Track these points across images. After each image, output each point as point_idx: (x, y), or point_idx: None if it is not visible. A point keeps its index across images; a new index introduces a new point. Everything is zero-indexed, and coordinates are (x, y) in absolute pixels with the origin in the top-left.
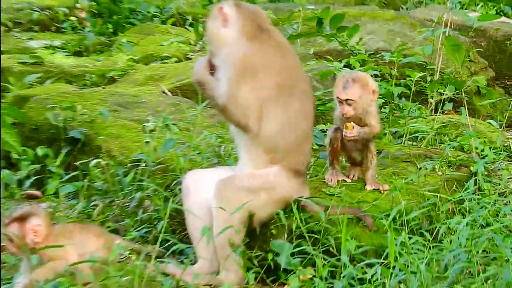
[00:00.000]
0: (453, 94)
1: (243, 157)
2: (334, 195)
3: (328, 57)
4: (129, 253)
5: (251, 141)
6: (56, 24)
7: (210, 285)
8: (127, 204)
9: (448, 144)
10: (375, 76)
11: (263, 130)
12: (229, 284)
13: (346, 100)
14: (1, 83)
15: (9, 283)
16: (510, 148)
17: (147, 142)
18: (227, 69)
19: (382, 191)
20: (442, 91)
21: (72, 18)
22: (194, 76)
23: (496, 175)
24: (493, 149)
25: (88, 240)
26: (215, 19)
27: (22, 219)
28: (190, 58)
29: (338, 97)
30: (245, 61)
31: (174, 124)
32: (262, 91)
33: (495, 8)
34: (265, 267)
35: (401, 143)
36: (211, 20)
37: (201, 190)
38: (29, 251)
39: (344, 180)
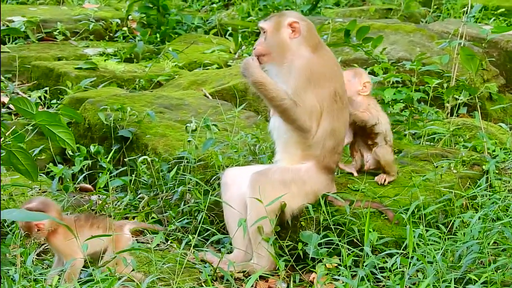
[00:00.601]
0: (467, 99)
1: (279, 153)
2: (358, 190)
3: (355, 65)
4: (171, 242)
5: (290, 139)
6: (110, 34)
7: (244, 272)
8: (170, 197)
9: (463, 145)
10: (397, 82)
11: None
12: (261, 271)
13: None
14: (59, 87)
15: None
16: None
17: (189, 141)
18: (293, 75)
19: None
20: (457, 96)
21: (124, 28)
22: (252, 76)
23: (506, 173)
24: (503, 149)
25: (96, 234)
26: (284, 30)
27: None
28: (229, 65)
29: None
30: (311, 69)
31: (214, 124)
32: (323, 97)
33: (506, 22)
34: (295, 255)
35: (420, 143)
36: (280, 31)
37: (238, 185)
38: (40, 240)
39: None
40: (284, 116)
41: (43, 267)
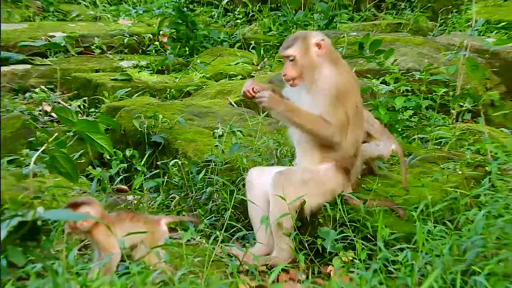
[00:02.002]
0: (472, 106)
1: (299, 157)
2: (371, 190)
3: (368, 75)
4: (200, 238)
5: (310, 146)
6: (143, 48)
7: (267, 264)
8: (199, 197)
9: (467, 148)
10: (407, 91)
11: None
12: (283, 264)
13: None
14: (97, 97)
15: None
16: None
17: (216, 145)
18: (322, 95)
19: None
20: (462, 103)
21: (156, 42)
22: (280, 107)
23: (507, 174)
24: (505, 152)
25: (136, 228)
26: (312, 50)
27: (75, 205)
28: (253, 76)
29: None
30: (337, 87)
31: (239, 130)
32: (348, 111)
33: (507, 35)
34: (314, 250)
35: (428, 147)
36: (309, 51)
37: (261, 184)
38: (83, 235)
39: None
40: (317, 137)
41: (84, 262)
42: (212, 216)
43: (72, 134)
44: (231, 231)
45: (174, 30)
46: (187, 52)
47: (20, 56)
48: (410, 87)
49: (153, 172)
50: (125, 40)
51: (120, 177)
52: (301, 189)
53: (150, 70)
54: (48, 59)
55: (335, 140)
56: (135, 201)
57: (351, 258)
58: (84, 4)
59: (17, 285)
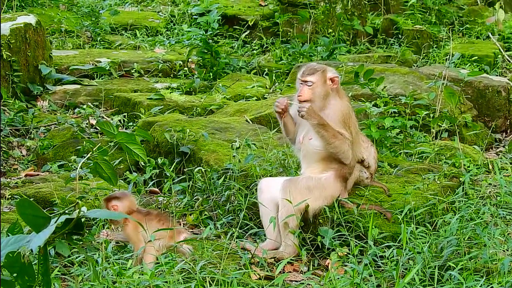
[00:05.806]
0: (448, 126)
1: (304, 167)
2: (363, 196)
3: (362, 99)
4: (218, 234)
5: (315, 158)
6: (174, 72)
7: (275, 257)
8: (219, 199)
9: (444, 162)
10: (394, 113)
11: None
12: (289, 257)
13: None
14: (135, 113)
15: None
16: (488, 165)
17: (234, 156)
18: (332, 119)
19: None
20: (440, 124)
21: (185, 68)
22: (316, 120)
23: (478, 184)
24: (476, 165)
25: (161, 227)
26: (328, 82)
27: (108, 200)
28: (266, 98)
29: None
30: (343, 113)
31: (253, 143)
32: (352, 132)
33: (478, 67)
34: (315, 246)
35: (411, 160)
36: (326, 83)
37: (270, 191)
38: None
39: None
40: (336, 149)
41: (120, 253)
42: (229, 216)
43: (113, 144)
44: (245, 228)
45: (200, 58)
46: (211, 77)
47: (71, 78)
48: (397, 109)
49: (180, 177)
50: (159, 66)
51: (153, 181)
52: (306, 194)
53: (180, 91)
54: (95, 80)
55: (348, 155)
56: (165, 202)
57: (345, 253)
58: (126, 35)
59: (63, 271)
